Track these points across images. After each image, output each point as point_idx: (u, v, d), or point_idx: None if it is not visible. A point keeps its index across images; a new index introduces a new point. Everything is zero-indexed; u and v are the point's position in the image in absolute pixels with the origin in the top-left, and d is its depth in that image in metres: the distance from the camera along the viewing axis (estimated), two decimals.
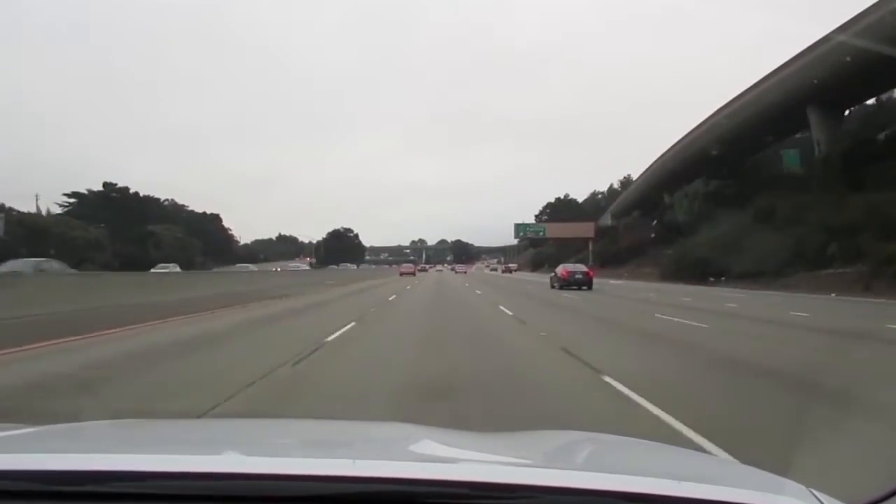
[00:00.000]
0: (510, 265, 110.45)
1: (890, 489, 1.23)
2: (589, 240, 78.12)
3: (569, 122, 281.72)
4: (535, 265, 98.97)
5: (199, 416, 4.62)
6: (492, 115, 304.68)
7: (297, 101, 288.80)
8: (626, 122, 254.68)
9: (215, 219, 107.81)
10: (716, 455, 3.66)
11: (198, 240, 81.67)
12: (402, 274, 61.10)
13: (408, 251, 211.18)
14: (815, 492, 1.24)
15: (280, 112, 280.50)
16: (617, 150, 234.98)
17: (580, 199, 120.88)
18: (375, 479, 1.19)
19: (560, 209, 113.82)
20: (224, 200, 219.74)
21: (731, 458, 3.51)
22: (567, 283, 29.65)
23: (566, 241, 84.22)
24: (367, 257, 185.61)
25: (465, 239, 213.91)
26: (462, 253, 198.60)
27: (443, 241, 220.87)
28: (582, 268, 32.58)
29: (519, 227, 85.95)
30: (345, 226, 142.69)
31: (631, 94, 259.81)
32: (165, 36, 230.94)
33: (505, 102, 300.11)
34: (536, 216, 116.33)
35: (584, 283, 29.79)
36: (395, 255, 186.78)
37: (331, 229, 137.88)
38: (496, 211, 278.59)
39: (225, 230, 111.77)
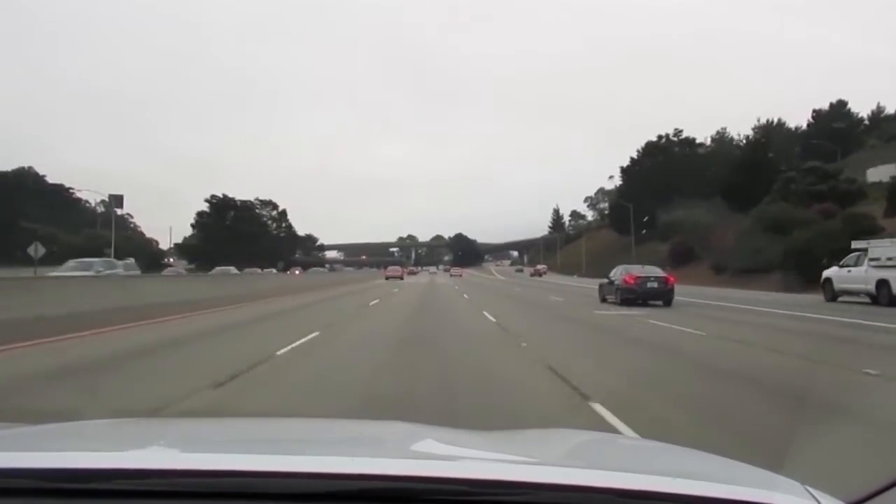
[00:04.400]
0: (539, 267, 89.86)
1: (882, 485, 1.20)
2: None
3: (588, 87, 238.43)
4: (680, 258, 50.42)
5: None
6: (485, 80, 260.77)
7: (246, 71, 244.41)
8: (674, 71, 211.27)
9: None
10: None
11: None
12: (387, 278, 55.65)
13: (395, 250, 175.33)
14: (809, 488, 1.25)
15: (223, 87, 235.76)
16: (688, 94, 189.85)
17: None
18: (374, 477, 1.18)
19: (668, 151, 67.61)
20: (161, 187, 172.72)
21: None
22: (635, 296, 19.61)
23: None
24: (332, 255, 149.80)
25: (467, 234, 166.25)
26: (465, 251, 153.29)
27: (438, 238, 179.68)
28: (656, 271, 21.16)
29: None
30: (265, 198, 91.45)
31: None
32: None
33: (500, 63, 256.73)
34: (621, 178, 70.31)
35: (661, 296, 19.84)
36: (378, 255, 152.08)
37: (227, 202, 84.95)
38: (502, 204, 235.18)
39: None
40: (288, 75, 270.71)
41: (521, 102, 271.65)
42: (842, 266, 21.48)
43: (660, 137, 73.00)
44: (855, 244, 21.68)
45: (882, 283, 19.44)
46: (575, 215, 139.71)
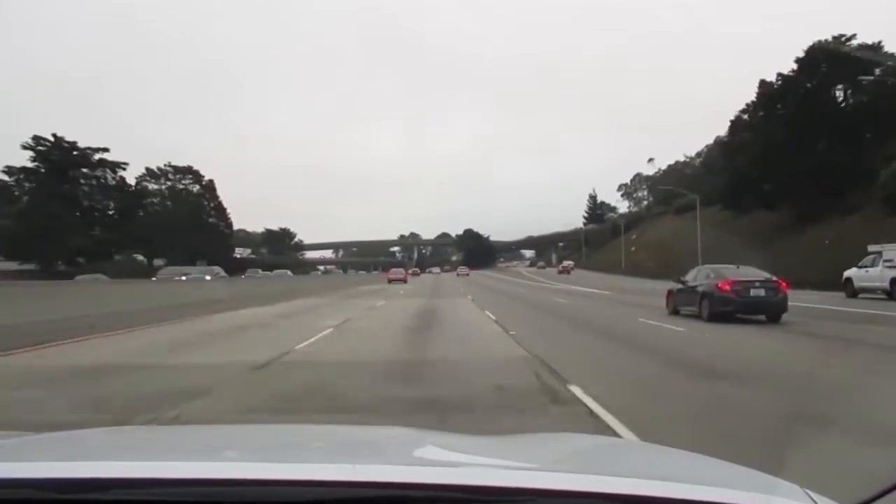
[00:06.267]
0: (566, 263, 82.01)
1: (882, 489, 1.21)
2: None
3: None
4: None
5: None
6: (490, 69, 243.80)
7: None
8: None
9: None
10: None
11: None
12: (390, 280, 52.48)
13: (396, 249, 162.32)
14: (809, 492, 1.26)
15: (204, 79, 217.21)
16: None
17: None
18: (375, 484, 1.19)
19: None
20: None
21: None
22: (733, 307, 14.50)
23: None
24: (323, 255, 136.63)
25: (479, 230, 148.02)
26: (475, 249, 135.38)
27: (444, 235, 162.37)
28: (759, 273, 15.57)
29: None
30: (180, 163, 59.84)
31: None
32: None
33: (505, 51, 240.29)
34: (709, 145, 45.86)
35: (769, 308, 14.63)
36: (377, 255, 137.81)
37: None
38: (513, 201, 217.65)
39: None
40: (274, 67, 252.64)
41: (522, 92, 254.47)
42: (860, 267, 24.13)
43: (814, 47, 41.98)
44: (871, 248, 24.22)
45: (895, 281, 22.28)
46: (604, 207, 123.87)
